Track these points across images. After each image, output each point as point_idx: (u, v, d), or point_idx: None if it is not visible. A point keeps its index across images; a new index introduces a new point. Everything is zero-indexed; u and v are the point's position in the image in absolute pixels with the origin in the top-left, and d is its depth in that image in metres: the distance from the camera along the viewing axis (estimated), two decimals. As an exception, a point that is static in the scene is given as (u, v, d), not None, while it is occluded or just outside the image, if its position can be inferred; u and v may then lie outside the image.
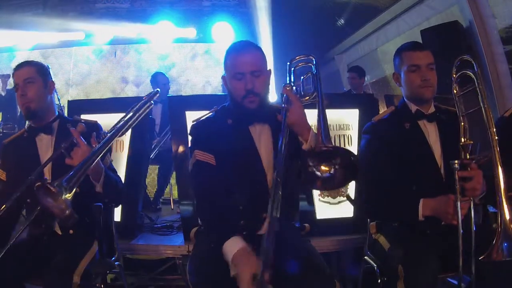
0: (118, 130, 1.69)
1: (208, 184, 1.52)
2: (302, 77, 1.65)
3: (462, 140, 1.60)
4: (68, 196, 1.34)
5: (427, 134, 1.76)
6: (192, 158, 1.57)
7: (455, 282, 1.51)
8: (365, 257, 1.90)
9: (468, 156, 1.57)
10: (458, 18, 4.02)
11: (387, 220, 1.79)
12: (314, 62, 1.65)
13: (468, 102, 1.67)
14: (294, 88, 1.62)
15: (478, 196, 1.55)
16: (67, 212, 1.35)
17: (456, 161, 1.50)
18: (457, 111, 1.66)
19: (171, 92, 6.51)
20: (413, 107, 1.80)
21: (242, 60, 1.54)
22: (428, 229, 1.67)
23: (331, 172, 1.30)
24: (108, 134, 1.66)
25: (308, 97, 1.57)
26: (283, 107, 1.47)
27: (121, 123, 1.74)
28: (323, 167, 1.30)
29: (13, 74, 1.82)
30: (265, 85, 1.58)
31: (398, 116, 1.83)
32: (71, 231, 1.71)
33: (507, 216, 1.41)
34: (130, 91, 6.49)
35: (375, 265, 1.79)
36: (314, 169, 1.30)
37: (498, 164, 1.47)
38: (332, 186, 1.40)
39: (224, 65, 1.61)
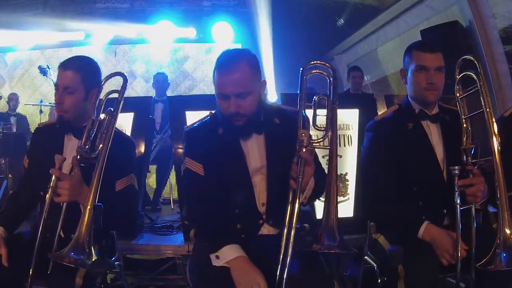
0: (104, 158, 1.51)
1: (196, 193, 1.54)
2: (314, 98, 1.49)
3: (464, 143, 1.57)
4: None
5: (430, 134, 1.74)
6: (183, 164, 1.58)
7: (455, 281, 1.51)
8: (365, 257, 1.90)
9: (470, 160, 1.55)
10: (458, 18, 4.02)
11: (387, 225, 1.78)
12: (332, 75, 1.48)
13: (471, 101, 1.64)
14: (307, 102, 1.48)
15: (479, 202, 1.53)
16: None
17: (456, 167, 1.48)
18: (460, 114, 1.63)
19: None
20: (417, 107, 1.77)
21: (226, 81, 1.44)
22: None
23: None
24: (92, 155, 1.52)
25: (320, 140, 1.40)
26: (299, 168, 1.33)
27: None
28: None
29: (58, 68, 1.69)
30: (254, 103, 1.48)
31: (401, 116, 1.80)
32: (72, 236, 1.70)
33: (508, 230, 1.39)
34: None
35: (375, 265, 1.79)
36: None
37: (500, 171, 1.44)
38: None
39: (212, 76, 1.53)
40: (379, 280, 1.73)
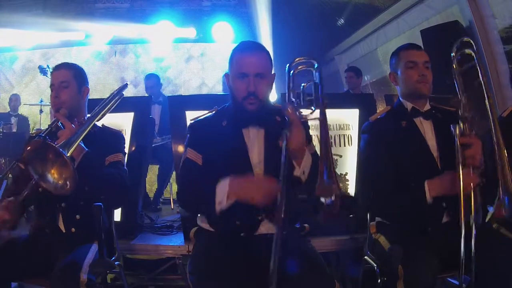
0: (95, 115, 1.78)
1: (192, 182, 1.57)
2: (302, 85, 1.51)
3: (461, 113, 1.62)
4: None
5: (423, 131, 1.80)
6: (184, 155, 1.62)
7: (455, 282, 1.51)
8: (365, 257, 1.91)
9: (467, 127, 1.60)
10: (458, 18, 4.03)
11: (393, 213, 1.79)
12: (316, 66, 1.51)
13: (473, 97, 1.69)
14: (295, 100, 1.50)
15: (478, 167, 1.57)
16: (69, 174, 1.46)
17: (457, 126, 1.56)
18: (457, 90, 1.68)
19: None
20: (409, 105, 1.84)
21: (248, 60, 1.55)
22: (428, 226, 1.68)
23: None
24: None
25: (311, 113, 1.43)
26: (284, 132, 1.38)
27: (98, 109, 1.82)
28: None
29: (51, 73, 1.89)
30: (268, 88, 1.59)
31: (394, 115, 1.87)
32: (73, 230, 1.71)
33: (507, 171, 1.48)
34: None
35: (375, 265, 1.79)
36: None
37: (498, 131, 1.55)
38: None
39: (229, 63, 1.62)
40: (379, 280, 1.73)
